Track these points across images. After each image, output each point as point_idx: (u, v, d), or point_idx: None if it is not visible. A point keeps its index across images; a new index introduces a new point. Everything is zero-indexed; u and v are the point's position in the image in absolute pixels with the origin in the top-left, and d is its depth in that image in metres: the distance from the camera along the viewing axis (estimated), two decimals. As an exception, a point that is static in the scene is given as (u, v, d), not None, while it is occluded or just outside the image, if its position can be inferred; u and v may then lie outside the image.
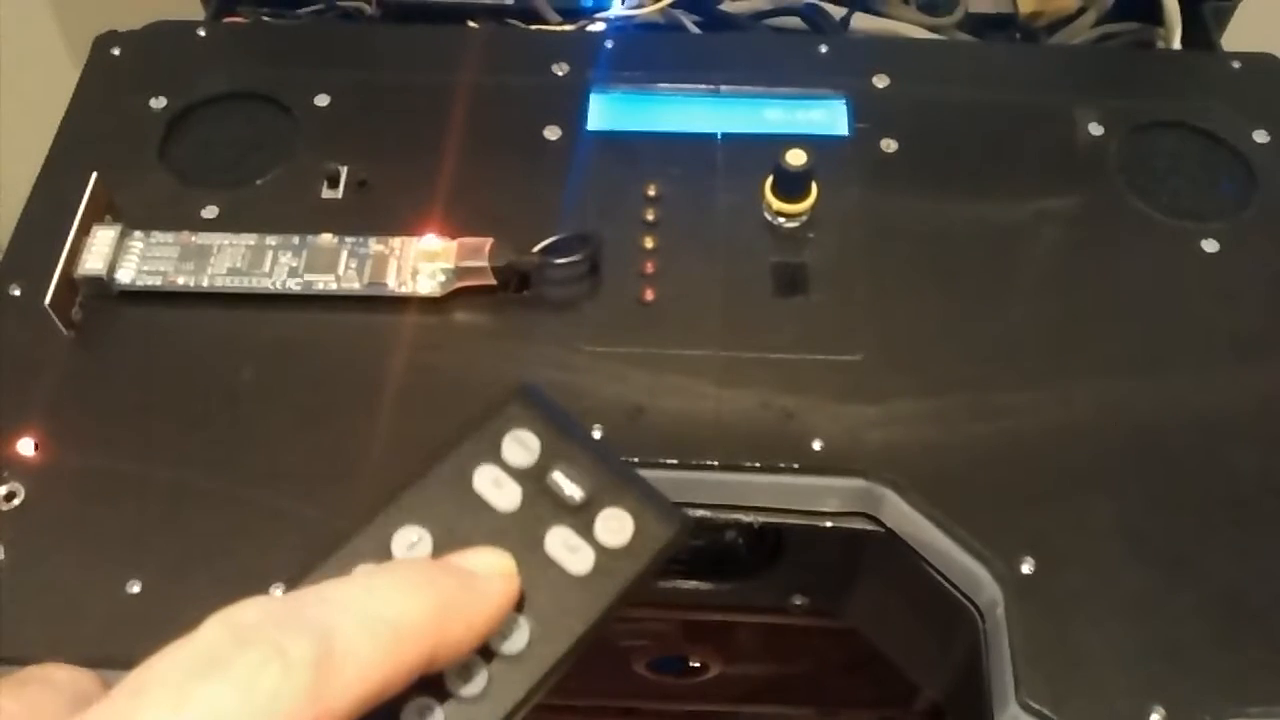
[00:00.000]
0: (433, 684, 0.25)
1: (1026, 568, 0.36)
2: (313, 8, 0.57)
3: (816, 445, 0.38)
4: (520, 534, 0.27)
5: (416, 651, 0.23)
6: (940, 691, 0.43)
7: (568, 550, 0.27)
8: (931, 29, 0.58)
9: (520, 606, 0.26)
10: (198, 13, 0.57)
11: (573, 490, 0.28)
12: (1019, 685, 0.34)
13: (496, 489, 0.28)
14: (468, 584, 0.25)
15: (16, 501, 0.38)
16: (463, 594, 0.25)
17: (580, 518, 0.28)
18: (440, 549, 0.27)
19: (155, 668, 0.22)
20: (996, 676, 0.35)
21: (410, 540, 0.27)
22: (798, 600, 0.44)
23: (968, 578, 0.37)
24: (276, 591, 0.34)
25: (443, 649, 0.24)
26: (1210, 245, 0.44)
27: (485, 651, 0.25)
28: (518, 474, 0.28)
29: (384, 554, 0.27)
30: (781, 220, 0.44)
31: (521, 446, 0.28)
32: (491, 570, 0.26)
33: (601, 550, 0.27)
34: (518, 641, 0.26)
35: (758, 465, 0.38)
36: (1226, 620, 0.36)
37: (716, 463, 0.38)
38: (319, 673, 0.21)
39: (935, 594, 0.38)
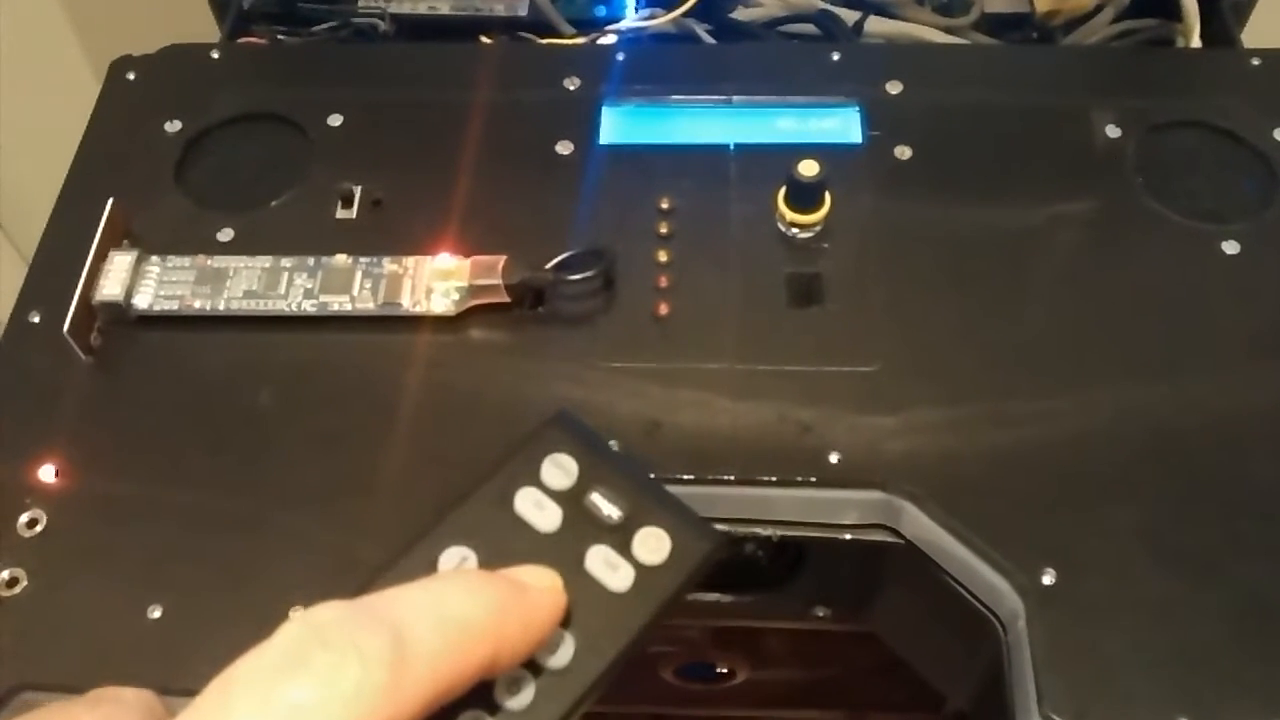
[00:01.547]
0: (484, 698, 0.25)
1: (1048, 578, 0.36)
2: (327, 25, 0.58)
3: (834, 458, 0.38)
4: (561, 553, 0.28)
5: (480, 650, 0.24)
6: (965, 701, 0.43)
7: (608, 568, 0.28)
8: (947, 30, 0.58)
9: (565, 622, 0.27)
10: (214, 33, 0.57)
11: (610, 510, 0.29)
12: (1041, 698, 0.34)
13: (538, 510, 0.29)
14: (521, 592, 0.26)
15: (39, 528, 0.38)
16: (518, 600, 0.26)
17: (619, 536, 0.28)
18: (485, 568, 0.27)
19: (239, 670, 0.22)
20: (1019, 688, 0.35)
21: (456, 560, 0.28)
22: (820, 612, 0.44)
23: (989, 590, 0.37)
24: (295, 613, 0.35)
25: (503, 650, 0.25)
26: (1231, 246, 0.44)
27: (533, 666, 0.26)
28: (557, 496, 0.29)
29: (431, 573, 0.27)
30: (795, 231, 0.44)
31: (560, 470, 0.29)
32: (540, 583, 0.27)
33: (640, 567, 0.28)
34: (563, 656, 0.27)
35: (775, 479, 0.38)
36: (1251, 627, 0.35)
37: (733, 477, 0.38)
38: (395, 670, 0.22)
39: (957, 606, 0.38)
